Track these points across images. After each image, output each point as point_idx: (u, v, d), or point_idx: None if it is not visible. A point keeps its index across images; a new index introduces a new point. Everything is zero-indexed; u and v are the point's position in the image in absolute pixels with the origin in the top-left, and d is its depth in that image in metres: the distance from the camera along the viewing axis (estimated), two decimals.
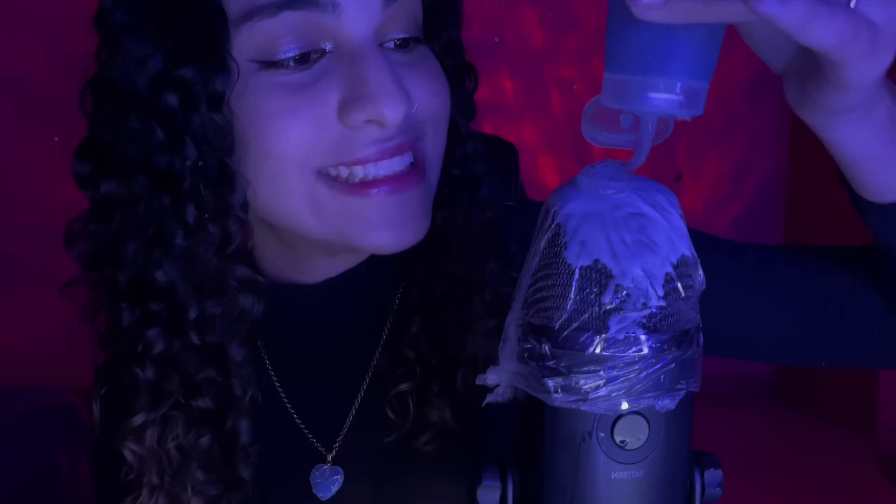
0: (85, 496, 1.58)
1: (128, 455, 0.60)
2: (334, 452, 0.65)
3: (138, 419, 0.59)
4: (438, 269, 0.63)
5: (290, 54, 0.53)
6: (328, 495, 0.63)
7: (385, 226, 0.56)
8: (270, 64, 0.54)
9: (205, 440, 0.60)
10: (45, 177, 3.63)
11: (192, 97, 0.53)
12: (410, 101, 0.54)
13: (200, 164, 0.55)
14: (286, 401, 0.66)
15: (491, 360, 0.57)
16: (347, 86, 0.54)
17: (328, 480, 0.64)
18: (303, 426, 0.66)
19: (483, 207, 0.65)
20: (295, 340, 0.67)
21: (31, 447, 1.63)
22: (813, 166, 3.18)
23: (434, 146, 0.59)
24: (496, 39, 3.57)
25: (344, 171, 0.56)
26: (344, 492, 0.64)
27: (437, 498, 0.62)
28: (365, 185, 0.55)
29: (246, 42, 0.53)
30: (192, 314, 0.57)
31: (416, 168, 0.58)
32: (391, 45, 0.56)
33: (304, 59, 0.54)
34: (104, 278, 0.60)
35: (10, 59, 3.58)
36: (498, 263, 0.63)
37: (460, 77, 0.64)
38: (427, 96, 0.57)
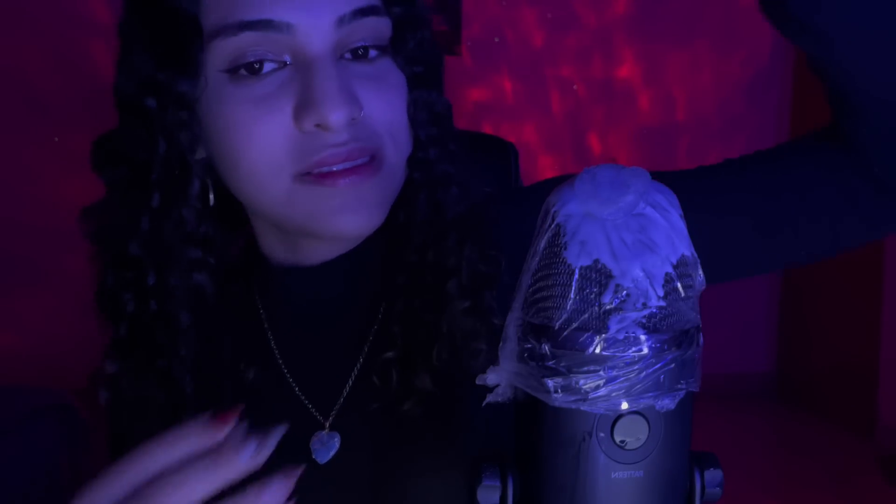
0: None
1: (102, 400, 0.70)
2: (331, 419, 0.69)
3: (110, 367, 0.68)
4: (415, 257, 0.70)
5: (252, 66, 0.61)
6: (326, 459, 0.68)
7: (343, 212, 0.62)
8: (234, 75, 0.61)
9: (158, 393, 0.68)
10: (45, 177, 3.64)
11: (167, 98, 0.62)
12: (354, 107, 0.60)
13: (168, 157, 0.64)
14: (288, 375, 0.71)
15: (470, 336, 0.65)
16: (300, 94, 0.61)
17: (326, 445, 0.68)
18: (303, 397, 0.70)
19: (454, 204, 0.70)
20: (296, 319, 0.72)
21: (31, 447, 1.63)
22: None
23: (395, 153, 0.65)
24: (496, 39, 3.58)
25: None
26: (341, 455, 0.68)
27: (425, 466, 0.66)
28: (328, 175, 0.62)
29: (217, 55, 0.61)
30: (151, 282, 0.67)
31: (374, 163, 0.63)
32: (349, 55, 0.63)
33: (261, 71, 0.61)
34: (101, 250, 0.70)
35: (10, 59, 3.58)
36: (474, 248, 0.68)
37: (422, 85, 0.69)
38: (380, 105, 0.63)
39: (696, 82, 3.91)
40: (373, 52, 0.64)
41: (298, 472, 0.40)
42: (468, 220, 0.70)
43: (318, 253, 0.70)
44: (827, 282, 3.70)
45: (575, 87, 3.79)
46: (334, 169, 0.62)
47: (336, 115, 0.59)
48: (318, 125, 0.60)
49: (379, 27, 0.64)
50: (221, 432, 0.42)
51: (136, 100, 0.64)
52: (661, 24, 3.74)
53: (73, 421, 1.73)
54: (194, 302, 0.69)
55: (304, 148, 0.61)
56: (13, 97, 3.60)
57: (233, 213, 0.73)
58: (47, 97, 3.62)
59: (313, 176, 0.62)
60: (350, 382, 0.70)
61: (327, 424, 0.69)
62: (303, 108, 0.60)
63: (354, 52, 0.63)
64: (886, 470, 3.14)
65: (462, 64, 3.56)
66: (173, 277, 0.67)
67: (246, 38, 0.60)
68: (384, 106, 0.64)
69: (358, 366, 0.70)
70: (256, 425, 0.65)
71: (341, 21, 0.61)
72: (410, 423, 0.66)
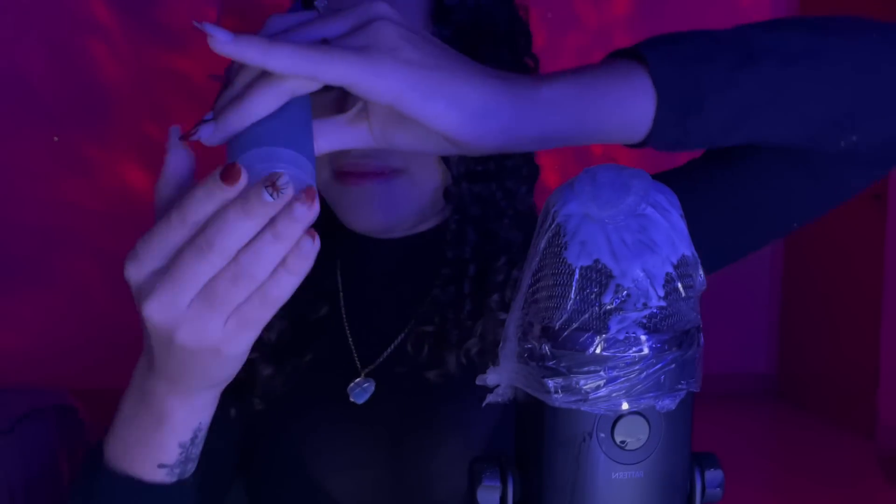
0: None
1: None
2: (370, 369, 0.78)
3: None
4: (456, 267, 0.77)
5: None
6: (362, 400, 0.76)
7: (354, 209, 0.73)
8: None
9: None
10: (45, 177, 3.64)
11: None
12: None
13: None
14: (346, 324, 0.80)
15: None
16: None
17: (362, 388, 0.77)
18: (353, 346, 0.79)
19: (507, 231, 0.76)
20: (364, 279, 0.81)
21: (31, 447, 1.63)
22: None
23: (421, 170, 0.73)
24: None
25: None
26: (376, 399, 0.76)
27: (447, 423, 0.74)
28: (345, 175, 0.72)
29: None
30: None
31: (389, 174, 0.72)
32: None
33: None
34: None
35: (10, 59, 3.58)
36: (516, 271, 0.74)
37: None
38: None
39: None
40: None
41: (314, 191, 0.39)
42: (519, 243, 0.76)
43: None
44: (827, 282, 3.70)
45: None
46: (347, 171, 0.71)
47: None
48: None
49: None
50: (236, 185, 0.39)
51: None
52: (661, 24, 3.74)
53: (73, 421, 1.73)
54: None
55: (339, 153, 0.69)
56: (13, 97, 3.60)
57: None
58: (47, 97, 3.61)
59: (338, 174, 0.72)
60: (393, 345, 0.78)
61: (364, 373, 0.78)
62: None
63: None
64: (887, 470, 3.14)
65: None
66: None
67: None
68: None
69: (403, 334, 0.78)
70: (309, 355, 0.79)
71: None
72: (434, 390, 0.74)
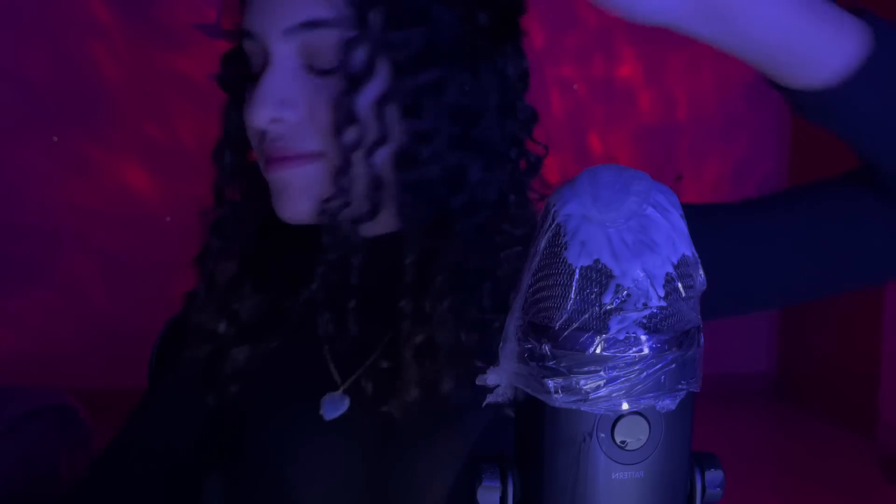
0: None
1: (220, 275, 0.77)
2: (347, 384, 0.74)
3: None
4: (458, 259, 0.72)
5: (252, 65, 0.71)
6: (333, 416, 0.73)
7: (278, 198, 0.71)
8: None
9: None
10: (45, 177, 3.64)
11: None
12: (274, 112, 0.68)
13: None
14: (321, 332, 0.76)
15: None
16: None
17: (336, 404, 0.73)
18: (328, 356, 0.75)
19: (501, 246, 0.72)
20: (346, 282, 0.75)
21: (31, 447, 1.63)
22: (813, 166, 3.18)
23: (334, 152, 0.69)
24: None
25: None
26: (348, 416, 0.73)
27: (430, 437, 0.70)
28: (267, 161, 0.70)
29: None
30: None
31: (303, 158, 0.69)
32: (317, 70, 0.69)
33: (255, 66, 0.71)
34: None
35: (10, 59, 3.58)
36: (504, 269, 0.71)
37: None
38: (320, 115, 0.68)
39: (696, 82, 3.91)
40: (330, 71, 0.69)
41: None
42: (502, 239, 0.72)
43: (372, 227, 0.73)
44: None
45: (575, 87, 3.79)
46: (269, 157, 0.70)
47: (253, 114, 0.68)
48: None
49: (331, 41, 0.67)
50: None
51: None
52: None
53: (73, 421, 1.73)
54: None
55: (254, 139, 0.71)
56: (13, 97, 3.60)
57: None
58: (47, 97, 3.61)
59: (265, 161, 0.71)
60: (375, 355, 0.74)
61: (341, 388, 0.74)
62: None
63: (310, 67, 0.69)
64: (887, 470, 3.14)
65: None
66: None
67: (245, 46, 0.71)
68: (323, 116, 0.68)
69: (385, 342, 0.74)
70: (281, 368, 0.76)
71: (287, 32, 0.67)
72: (420, 402, 0.70)
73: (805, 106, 0.60)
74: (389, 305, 0.73)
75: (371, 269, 0.73)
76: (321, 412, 0.73)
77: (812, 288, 0.73)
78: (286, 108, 0.68)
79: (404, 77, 0.68)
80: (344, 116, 0.68)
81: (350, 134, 0.68)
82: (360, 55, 0.67)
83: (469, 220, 0.70)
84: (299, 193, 0.70)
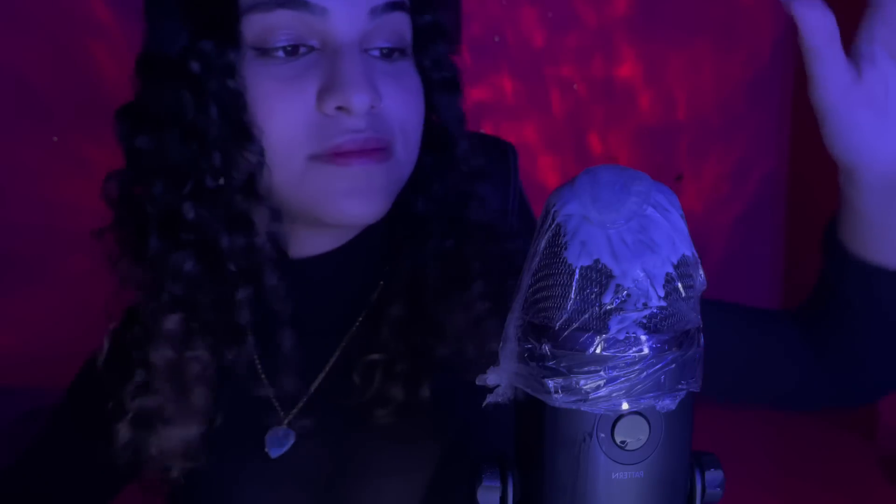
0: None
1: (157, 361, 0.67)
2: (291, 416, 0.70)
3: (172, 321, 0.66)
4: (424, 260, 0.70)
5: (281, 45, 0.62)
6: (278, 454, 0.69)
7: (352, 195, 0.63)
8: (264, 52, 0.62)
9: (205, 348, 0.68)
10: (45, 177, 3.64)
11: (211, 66, 0.62)
12: (376, 95, 0.62)
13: (222, 119, 0.63)
14: (258, 363, 0.72)
15: (471, 340, 0.65)
16: (326, 78, 0.62)
17: (280, 440, 0.69)
18: (269, 388, 0.71)
19: (478, 206, 0.72)
20: (277, 307, 0.70)
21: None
22: (813, 166, 3.19)
23: (404, 150, 0.66)
24: (496, 39, 3.58)
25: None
26: (294, 452, 0.69)
27: (386, 467, 0.67)
28: (342, 154, 0.63)
29: (248, 30, 0.62)
30: (224, 244, 0.65)
31: (385, 153, 0.64)
32: (376, 52, 0.64)
33: (293, 52, 0.62)
34: (133, 216, 0.68)
35: (10, 59, 3.58)
36: (488, 261, 0.69)
37: (447, 91, 0.72)
38: (397, 102, 0.65)
39: (696, 82, 3.91)
40: (395, 55, 0.66)
41: None
42: (484, 229, 0.71)
43: (311, 245, 0.70)
44: None
45: (575, 86, 3.79)
46: (350, 150, 0.63)
47: (359, 98, 0.61)
48: (339, 108, 0.61)
49: (404, 27, 0.66)
50: None
51: (179, 66, 0.63)
52: (661, 24, 3.74)
53: None
54: (276, 258, 0.68)
55: (322, 131, 0.62)
56: (13, 97, 3.60)
57: None
58: (47, 97, 3.61)
59: (328, 155, 0.62)
60: (319, 380, 0.71)
61: (286, 421, 0.70)
62: (327, 90, 0.61)
63: (379, 51, 0.65)
64: (887, 470, 3.14)
65: (462, 63, 3.55)
66: (242, 236, 0.66)
67: (280, 17, 0.61)
68: (400, 103, 0.65)
69: (329, 365, 0.71)
70: (222, 407, 0.69)
71: (374, 11, 0.63)
72: (376, 427, 0.66)
73: (865, 280, 0.62)
74: (327, 328, 0.70)
75: (302, 291, 0.69)
76: (266, 450, 0.69)
77: (719, 393, 0.71)
78: (377, 96, 0.63)
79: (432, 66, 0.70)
80: (419, 108, 0.67)
81: (416, 132, 0.67)
82: (435, 41, 0.68)
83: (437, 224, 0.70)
84: (378, 191, 0.65)
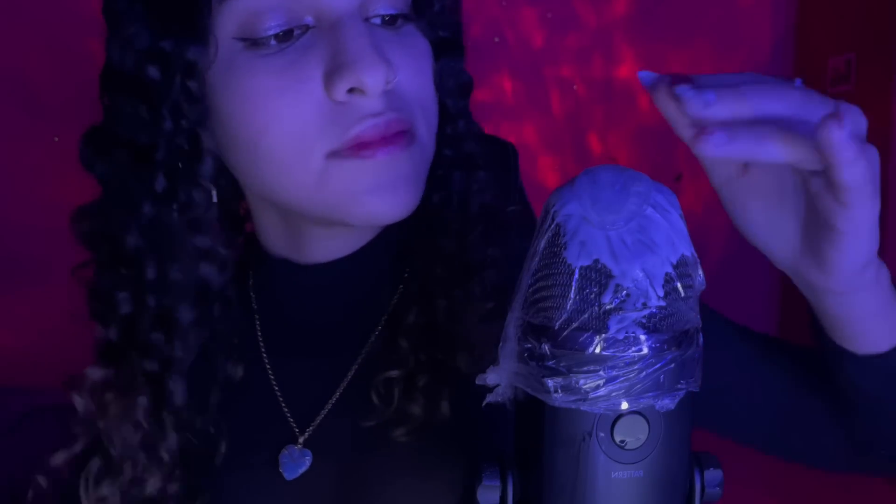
0: None
1: (79, 408, 0.65)
2: (307, 435, 0.64)
3: (95, 372, 0.64)
4: (435, 253, 0.64)
5: (272, 32, 0.54)
6: (294, 476, 0.63)
7: (380, 191, 0.56)
8: (254, 42, 0.54)
9: (142, 400, 0.62)
10: (45, 177, 3.63)
11: (170, 67, 0.55)
12: (390, 67, 0.54)
13: (175, 134, 0.57)
14: (272, 376, 0.66)
15: (488, 346, 0.59)
16: (330, 58, 0.54)
17: (296, 461, 0.63)
18: (283, 404, 0.65)
19: (481, 189, 0.65)
20: (290, 318, 0.67)
21: (31, 447, 1.63)
22: None
23: (425, 128, 0.59)
24: (496, 39, 3.58)
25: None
26: (310, 474, 0.63)
27: (405, 489, 0.61)
28: (365, 145, 0.55)
29: (228, 20, 0.55)
30: (151, 275, 0.60)
31: (408, 135, 0.57)
32: (377, 20, 0.57)
33: (287, 36, 0.54)
34: (96, 251, 0.64)
35: (10, 59, 3.58)
36: (497, 248, 0.63)
37: (446, 51, 0.64)
38: (410, 72, 0.57)
39: None
40: (399, 21, 0.58)
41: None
42: (492, 214, 0.65)
43: (325, 250, 0.65)
44: None
45: (575, 87, 3.79)
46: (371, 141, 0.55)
47: (373, 74, 0.53)
48: (352, 90, 0.54)
49: None
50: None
51: (136, 73, 0.56)
52: (661, 24, 3.74)
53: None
54: (197, 298, 0.62)
55: (338, 120, 0.54)
56: (13, 97, 3.60)
57: (229, 211, 0.69)
58: (47, 97, 3.61)
59: (348, 149, 0.55)
60: (336, 396, 0.64)
61: (301, 439, 0.64)
62: (335, 72, 0.53)
63: (381, 18, 0.57)
64: None
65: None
66: (176, 270, 0.61)
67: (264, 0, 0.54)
68: (414, 73, 0.58)
69: (347, 379, 0.64)
70: (234, 427, 0.64)
71: None
72: (396, 447, 0.61)
73: (859, 369, 0.57)
74: (343, 339, 0.65)
75: (317, 300, 0.65)
76: (280, 470, 0.63)
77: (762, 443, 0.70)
78: (392, 69, 0.54)
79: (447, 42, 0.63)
80: (429, 81, 0.59)
81: (434, 105, 0.60)
82: (437, 6, 0.61)
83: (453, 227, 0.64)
84: (407, 182, 0.57)
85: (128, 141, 0.58)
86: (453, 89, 0.65)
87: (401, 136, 0.56)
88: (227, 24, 0.55)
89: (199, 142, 0.58)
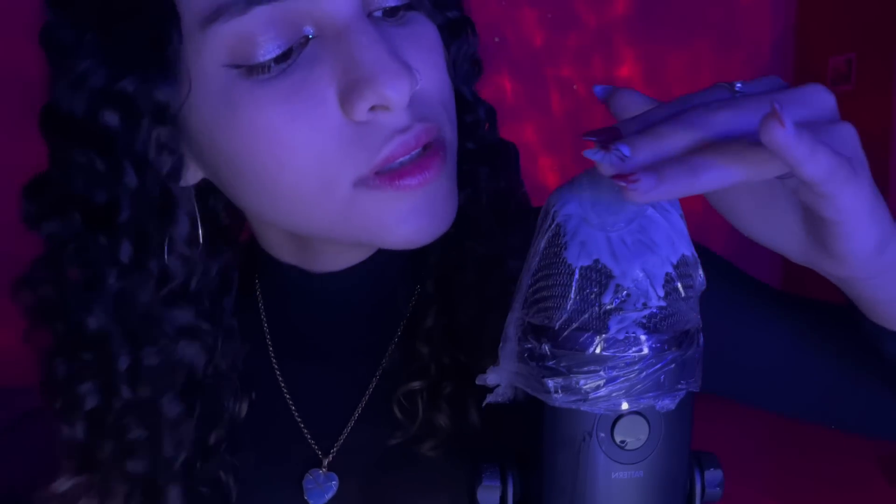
0: None
1: None
2: (331, 457, 0.59)
3: (63, 484, 0.55)
4: (463, 254, 0.58)
5: (271, 55, 0.46)
6: (321, 503, 0.58)
7: (414, 217, 0.49)
8: (251, 69, 0.47)
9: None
10: None
11: (134, 112, 0.48)
12: (413, 74, 0.47)
13: (141, 192, 0.49)
14: (287, 394, 0.61)
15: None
16: (342, 72, 0.47)
17: (322, 487, 0.58)
18: (301, 424, 0.60)
19: (507, 179, 0.61)
20: (302, 329, 0.61)
21: (32, 446, 1.63)
22: None
23: (450, 124, 0.52)
24: (496, 39, 3.58)
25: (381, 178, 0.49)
26: (338, 499, 0.58)
27: None
28: (397, 175, 0.48)
29: (216, 46, 0.47)
30: (123, 365, 0.52)
31: (438, 146, 0.50)
32: (379, 13, 0.50)
33: (286, 56, 0.47)
34: (46, 329, 0.55)
35: (10, 59, 3.58)
36: (518, 237, 0.56)
37: (457, 33, 0.58)
38: (428, 70, 0.50)
39: (696, 82, 3.91)
40: (401, 11, 0.51)
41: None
42: (512, 202, 0.60)
43: (338, 260, 0.59)
44: (827, 282, 3.69)
45: (575, 87, 3.79)
46: (402, 161, 0.49)
47: (396, 87, 0.46)
48: (374, 107, 0.47)
49: None
50: None
51: (90, 119, 0.49)
52: (661, 24, 3.75)
53: None
54: (185, 384, 0.55)
55: (362, 143, 0.47)
56: (13, 97, 3.60)
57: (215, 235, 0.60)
58: (47, 97, 3.61)
59: (379, 177, 0.48)
60: (358, 412, 0.59)
61: (326, 462, 0.58)
62: (352, 89, 0.46)
63: (382, 11, 0.50)
64: (887, 470, 3.14)
65: None
66: (152, 354, 0.53)
67: (255, 17, 0.45)
68: (431, 70, 0.51)
69: (369, 392, 0.59)
70: (252, 454, 0.59)
71: None
72: (424, 465, 0.56)
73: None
74: (361, 350, 0.60)
75: (330, 310, 0.60)
76: (306, 498, 0.58)
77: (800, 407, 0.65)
78: (414, 76, 0.47)
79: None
80: (445, 74, 0.52)
81: (452, 98, 0.53)
82: None
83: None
84: (444, 199, 0.51)
85: (82, 199, 0.50)
86: (468, 73, 0.59)
87: (434, 155, 0.49)
88: (214, 52, 0.47)
89: (173, 199, 0.51)
